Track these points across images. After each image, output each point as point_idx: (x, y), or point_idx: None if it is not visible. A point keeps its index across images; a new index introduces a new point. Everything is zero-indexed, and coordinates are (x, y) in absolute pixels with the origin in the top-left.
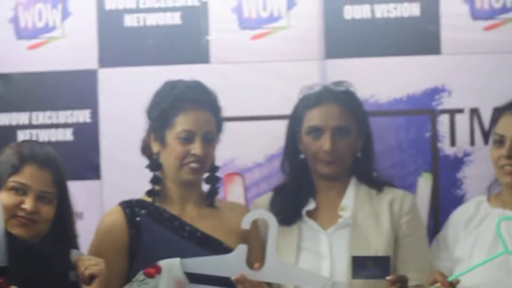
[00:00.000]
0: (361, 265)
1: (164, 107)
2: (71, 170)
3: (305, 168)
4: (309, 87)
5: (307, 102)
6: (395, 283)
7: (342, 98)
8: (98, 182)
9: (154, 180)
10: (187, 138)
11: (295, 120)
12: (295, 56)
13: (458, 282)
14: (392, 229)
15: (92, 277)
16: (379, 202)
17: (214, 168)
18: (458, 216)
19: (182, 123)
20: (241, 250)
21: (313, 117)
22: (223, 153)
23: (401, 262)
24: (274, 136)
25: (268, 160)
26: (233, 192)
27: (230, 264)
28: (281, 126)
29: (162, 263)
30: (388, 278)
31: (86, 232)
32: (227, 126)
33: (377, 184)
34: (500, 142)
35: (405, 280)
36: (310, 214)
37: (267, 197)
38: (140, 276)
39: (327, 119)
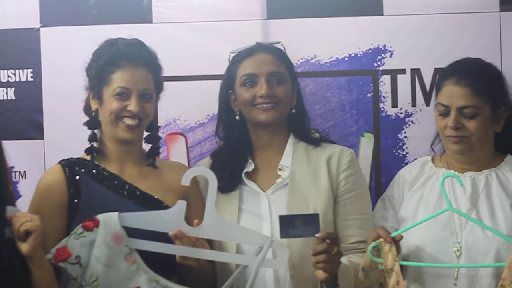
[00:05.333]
0: (288, 224)
1: (101, 65)
2: (13, 129)
3: (241, 129)
4: (238, 48)
5: (238, 57)
6: (324, 240)
7: (274, 49)
8: (41, 141)
9: (91, 138)
10: (123, 95)
11: (227, 80)
12: (237, 15)
13: (401, 238)
14: (331, 186)
15: (27, 233)
16: (316, 159)
17: (154, 127)
18: (403, 176)
19: (118, 80)
20: (180, 206)
21: (246, 67)
22: (165, 113)
23: (342, 219)
24: (217, 96)
25: (210, 120)
26: (176, 152)
27: (168, 219)
28: None
29: (100, 216)
30: (317, 235)
31: (29, 190)
32: (170, 86)
33: (314, 140)
34: (444, 111)
35: (334, 236)
36: (250, 175)
37: (207, 161)
38: (79, 229)
39: (261, 66)
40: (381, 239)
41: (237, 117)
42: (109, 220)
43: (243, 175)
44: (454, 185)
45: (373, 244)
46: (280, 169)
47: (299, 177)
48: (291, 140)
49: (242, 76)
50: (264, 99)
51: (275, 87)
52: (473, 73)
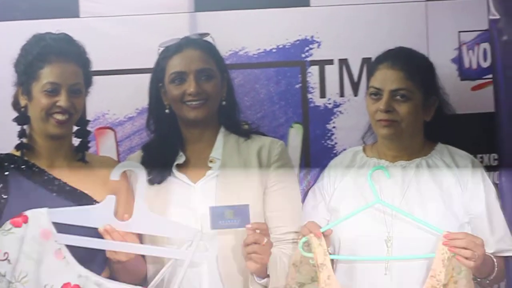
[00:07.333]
0: (218, 215)
1: (30, 60)
2: None
3: (171, 123)
4: (167, 41)
5: (167, 52)
6: (254, 231)
7: (202, 44)
8: None
9: (21, 134)
10: (52, 90)
11: (157, 74)
12: (165, 8)
13: (330, 232)
14: (261, 178)
15: None
16: (247, 151)
17: (83, 122)
18: (334, 166)
19: (47, 75)
20: (109, 200)
21: (175, 64)
22: (94, 107)
23: (272, 210)
24: (145, 90)
25: (139, 114)
26: (105, 146)
27: (98, 214)
28: None
29: (29, 212)
30: (247, 226)
31: None
32: (98, 80)
33: (245, 132)
34: (376, 95)
35: (264, 227)
36: (181, 168)
37: (138, 155)
38: (7, 225)
39: (189, 63)
40: (311, 234)
41: (167, 111)
42: (38, 216)
43: (173, 167)
44: (385, 174)
45: (303, 239)
46: (210, 161)
47: (230, 168)
48: (221, 132)
49: (171, 74)
50: (193, 97)
51: (204, 84)
52: (407, 58)
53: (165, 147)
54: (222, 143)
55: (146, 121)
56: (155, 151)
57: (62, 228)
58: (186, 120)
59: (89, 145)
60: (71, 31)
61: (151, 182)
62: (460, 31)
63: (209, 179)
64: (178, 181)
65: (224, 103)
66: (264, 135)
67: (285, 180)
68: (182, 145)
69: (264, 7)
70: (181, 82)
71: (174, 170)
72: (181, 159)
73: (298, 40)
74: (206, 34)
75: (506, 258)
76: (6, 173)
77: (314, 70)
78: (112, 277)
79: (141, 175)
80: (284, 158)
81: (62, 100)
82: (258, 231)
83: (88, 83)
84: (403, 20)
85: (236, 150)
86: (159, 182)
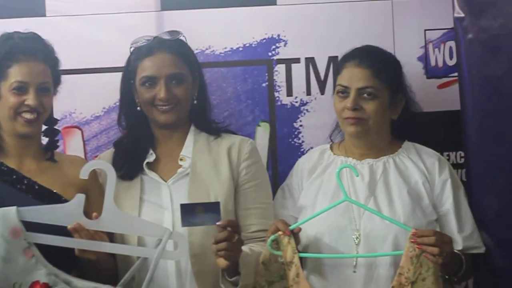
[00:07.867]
0: (189, 213)
1: None
2: None
3: (142, 120)
4: (139, 39)
5: (139, 53)
6: (225, 228)
7: (174, 46)
8: None
9: None
10: (21, 89)
11: (128, 73)
12: (131, 7)
13: (299, 230)
14: (231, 176)
15: None
16: (217, 149)
17: (52, 121)
18: (302, 164)
19: (15, 74)
20: (78, 199)
21: (146, 67)
22: (61, 106)
23: (242, 208)
24: (112, 89)
25: (106, 113)
26: (72, 145)
27: (67, 213)
28: (118, 79)
29: None
30: (218, 223)
31: None
32: (65, 79)
33: (215, 130)
34: (343, 93)
35: (235, 224)
36: (151, 166)
37: (110, 152)
38: None
39: (160, 68)
40: (280, 232)
41: (138, 108)
42: (7, 214)
43: (144, 165)
44: (353, 172)
45: (272, 237)
46: (181, 159)
47: (200, 167)
48: (192, 130)
49: (141, 77)
50: (163, 102)
51: (175, 88)
52: (374, 57)
53: (136, 145)
54: (193, 142)
55: (118, 117)
56: (126, 147)
57: (30, 226)
58: (156, 123)
59: (58, 144)
60: (37, 30)
61: (122, 178)
62: (426, 29)
63: (180, 177)
64: (149, 179)
65: (195, 102)
66: (234, 133)
67: (257, 178)
68: (153, 143)
69: (230, 6)
70: (152, 86)
71: (145, 168)
72: (151, 157)
73: (264, 39)
74: (178, 33)
75: (474, 255)
76: None
77: (280, 68)
78: (82, 275)
79: (110, 174)
80: (254, 157)
81: (30, 99)
82: (229, 228)
83: (56, 82)
84: (369, 19)
85: (206, 148)
86: (130, 179)
